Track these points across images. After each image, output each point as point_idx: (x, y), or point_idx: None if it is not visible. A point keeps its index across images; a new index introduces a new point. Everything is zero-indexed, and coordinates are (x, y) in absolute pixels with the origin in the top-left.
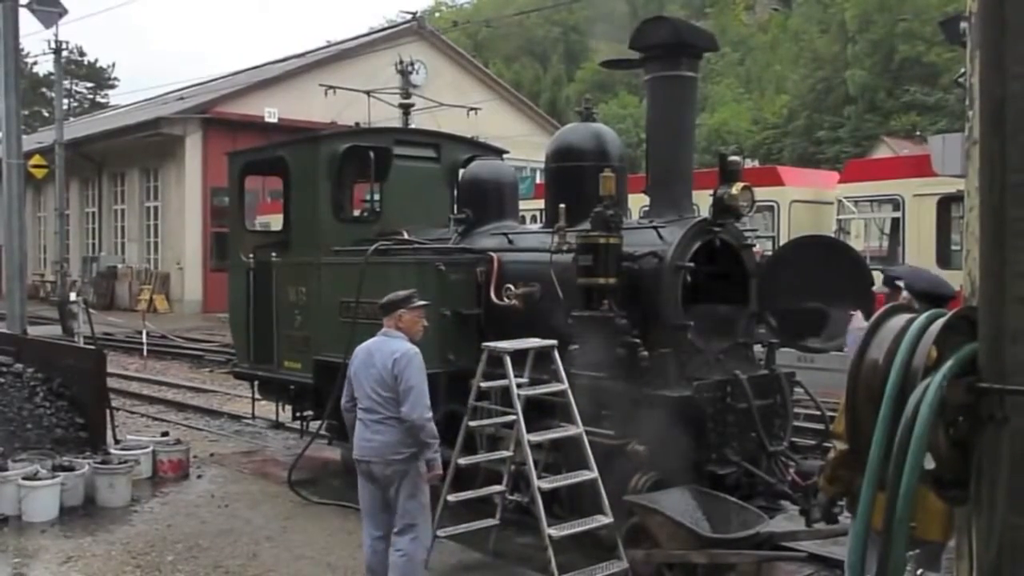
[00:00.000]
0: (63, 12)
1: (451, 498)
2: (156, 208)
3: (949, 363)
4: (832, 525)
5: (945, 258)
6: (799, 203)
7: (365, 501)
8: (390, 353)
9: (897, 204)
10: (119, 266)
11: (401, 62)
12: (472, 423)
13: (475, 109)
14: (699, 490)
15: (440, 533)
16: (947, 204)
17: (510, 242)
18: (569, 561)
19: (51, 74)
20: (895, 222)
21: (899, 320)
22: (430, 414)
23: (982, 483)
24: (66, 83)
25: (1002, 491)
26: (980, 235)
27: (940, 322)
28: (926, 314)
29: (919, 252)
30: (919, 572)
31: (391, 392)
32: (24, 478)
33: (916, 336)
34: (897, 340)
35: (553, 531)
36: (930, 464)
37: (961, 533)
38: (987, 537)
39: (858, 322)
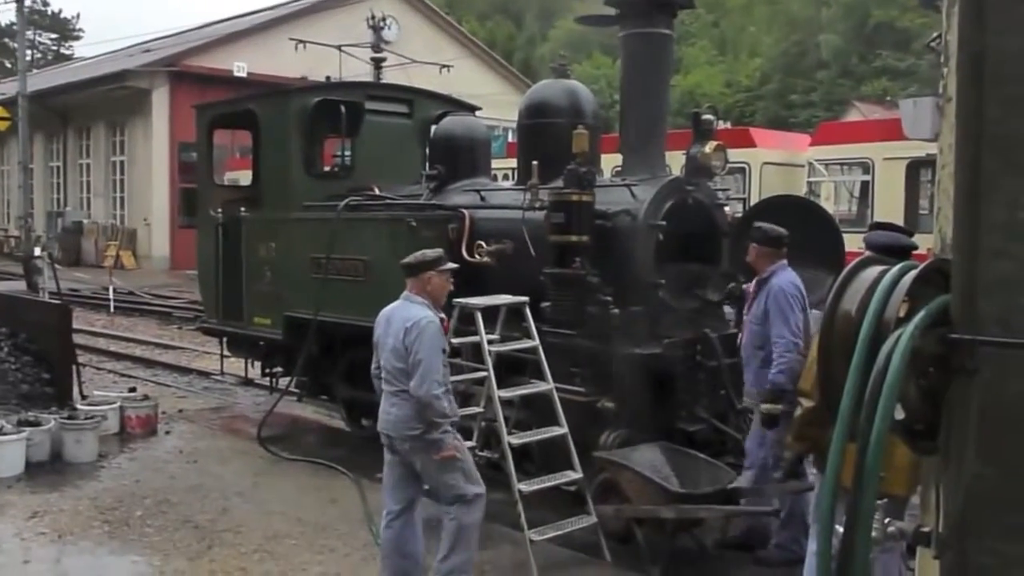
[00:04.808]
0: None
1: None
2: (122, 163)
3: (921, 314)
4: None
5: (913, 222)
6: (770, 165)
7: (386, 474)
8: (403, 321)
9: (867, 167)
10: (85, 222)
11: (373, 17)
12: None
13: (448, 66)
14: (669, 447)
15: None
16: (916, 168)
17: (482, 199)
18: (539, 516)
19: (13, 24)
20: (864, 185)
21: (872, 272)
22: (440, 390)
23: (951, 433)
24: (29, 34)
25: (971, 441)
26: (955, 188)
27: (913, 274)
28: (899, 266)
29: (888, 215)
30: (886, 520)
31: (403, 363)
32: None
33: (889, 287)
34: (870, 291)
35: (523, 486)
36: (900, 415)
37: (928, 486)
38: (955, 486)
39: None
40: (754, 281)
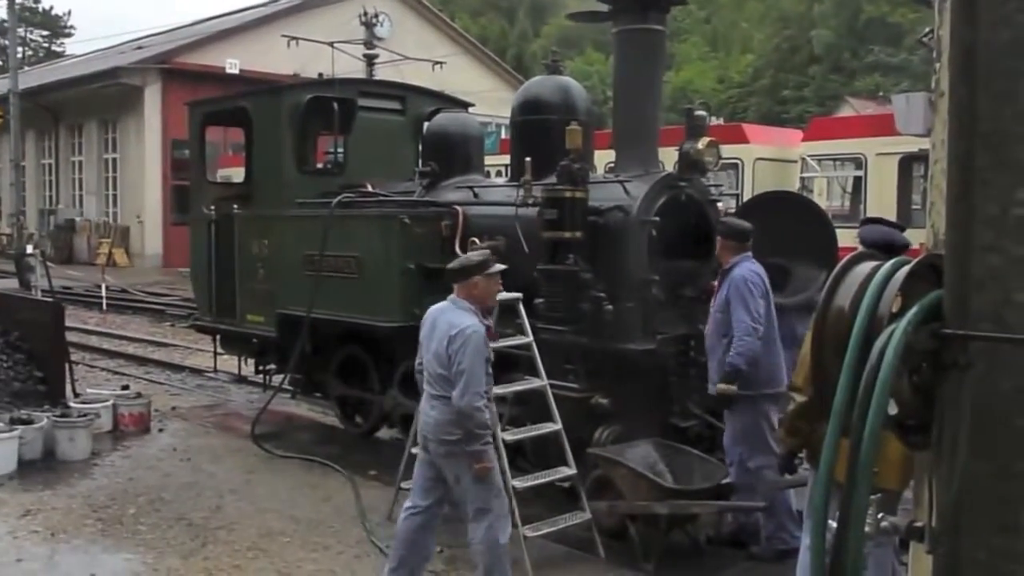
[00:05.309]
0: None
1: (414, 451)
2: (115, 160)
3: (914, 309)
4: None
5: (906, 217)
6: (763, 161)
7: (417, 472)
8: (448, 328)
9: (859, 163)
10: (77, 219)
11: (365, 14)
12: None
13: (440, 63)
14: (662, 443)
15: (403, 485)
16: (909, 163)
17: (475, 195)
18: (533, 513)
19: (4, 21)
20: (857, 180)
21: (864, 267)
22: (482, 402)
23: (944, 428)
24: (20, 31)
25: (963, 436)
26: (947, 184)
27: (905, 269)
28: (891, 261)
29: (880, 211)
30: (880, 515)
31: (445, 370)
32: None
33: (882, 283)
34: (863, 287)
35: (517, 483)
36: (893, 410)
37: (920, 481)
38: (947, 481)
39: None
40: (719, 273)
